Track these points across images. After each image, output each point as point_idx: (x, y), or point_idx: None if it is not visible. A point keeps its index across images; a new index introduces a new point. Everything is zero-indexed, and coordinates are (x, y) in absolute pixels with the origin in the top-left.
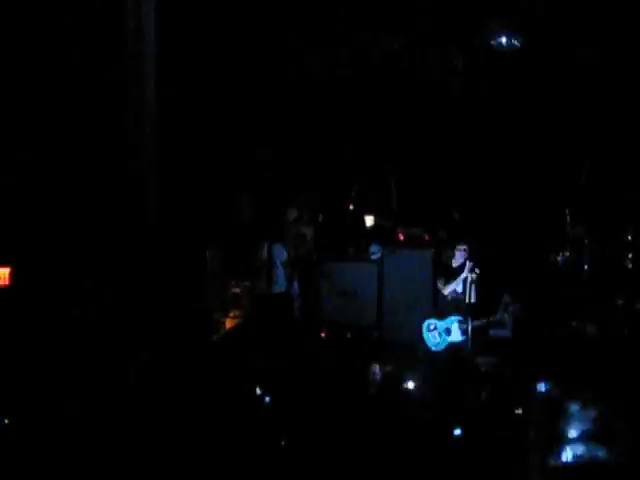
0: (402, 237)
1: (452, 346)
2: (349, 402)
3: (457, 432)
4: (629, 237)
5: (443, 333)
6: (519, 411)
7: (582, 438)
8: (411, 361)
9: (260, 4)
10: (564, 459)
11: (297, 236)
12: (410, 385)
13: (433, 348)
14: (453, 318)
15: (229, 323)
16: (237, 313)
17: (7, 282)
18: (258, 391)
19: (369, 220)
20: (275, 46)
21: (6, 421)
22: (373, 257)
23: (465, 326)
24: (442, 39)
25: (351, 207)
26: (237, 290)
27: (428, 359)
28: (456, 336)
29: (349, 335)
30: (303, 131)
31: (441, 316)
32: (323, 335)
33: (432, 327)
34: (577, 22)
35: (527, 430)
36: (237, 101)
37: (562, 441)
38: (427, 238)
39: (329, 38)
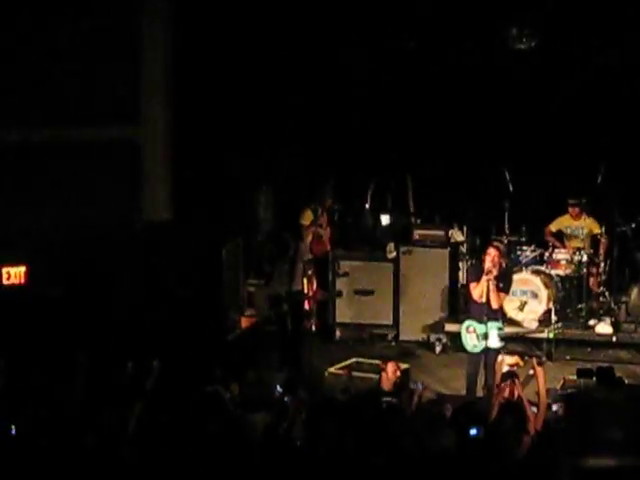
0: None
1: (488, 351)
2: (362, 400)
3: (473, 432)
4: None
5: (481, 337)
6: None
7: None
8: (427, 360)
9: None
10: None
11: (314, 236)
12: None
13: (470, 350)
14: (492, 324)
15: (245, 322)
16: (253, 312)
17: (23, 280)
18: (278, 389)
19: (385, 219)
20: (294, 41)
21: (13, 430)
22: (390, 256)
23: (503, 333)
24: (458, 37)
25: (367, 206)
26: (252, 289)
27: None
28: (494, 342)
29: (365, 335)
30: (319, 129)
31: (480, 320)
32: (338, 334)
33: (471, 329)
34: (592, 20)
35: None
36: (256, 97)
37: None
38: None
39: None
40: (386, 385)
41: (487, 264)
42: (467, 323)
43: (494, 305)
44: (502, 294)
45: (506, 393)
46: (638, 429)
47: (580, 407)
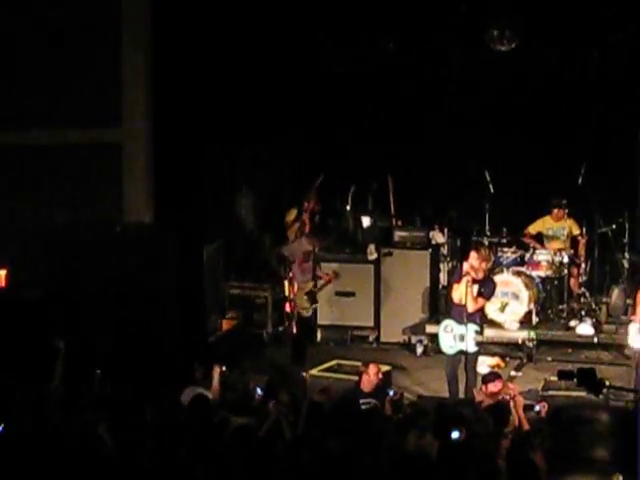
0: None
1: (463, 354)
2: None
3: (455, 435)
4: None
5: (457, 338)
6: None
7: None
8: (408, 362)
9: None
10: None
11: (296, 235)
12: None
13: (445, 350)
14: (471, 326)
15: (226, 325)
16: (234, 314)
17: (3, 284)
18: (259, 392)
19: (366, 221)
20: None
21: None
22: (371, 258)
23: (479, 338)
24: (439, 39)
25: (348, 208)
26: (236, 291)
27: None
28: (470, 345)
29: (346, 336)
30: (301, 130)
31: (459, 321)
32: (320, 336)
33: (449, 329)
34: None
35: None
36: (237, 98)
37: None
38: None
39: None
40: (366, 387)
41: (465, 267)
42: (446, 323)
43: (469, 309)
44: (480, 299)
45: (494, 395)
46: (622, 448)
47: (565, 425)
